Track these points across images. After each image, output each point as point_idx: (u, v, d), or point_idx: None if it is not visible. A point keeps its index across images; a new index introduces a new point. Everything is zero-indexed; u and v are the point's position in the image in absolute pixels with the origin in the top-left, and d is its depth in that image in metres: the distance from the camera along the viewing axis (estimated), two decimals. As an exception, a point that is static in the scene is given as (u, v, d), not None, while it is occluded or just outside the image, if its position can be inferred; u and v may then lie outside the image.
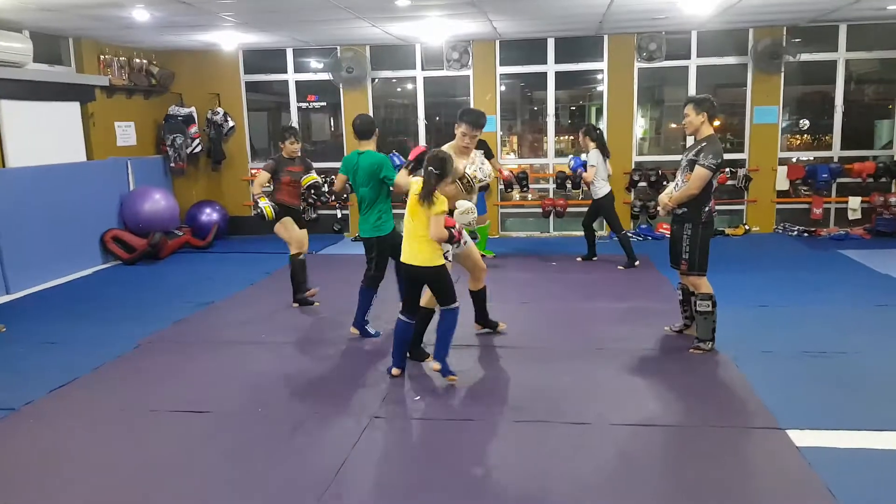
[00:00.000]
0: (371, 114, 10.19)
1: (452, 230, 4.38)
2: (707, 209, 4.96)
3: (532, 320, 5.98)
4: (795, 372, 4.65)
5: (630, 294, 6.78)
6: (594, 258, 8.20)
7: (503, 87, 10.23)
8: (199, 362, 5.20)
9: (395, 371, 4.69)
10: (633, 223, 9.99)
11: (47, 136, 8.27)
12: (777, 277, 7.28)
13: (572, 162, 8.27)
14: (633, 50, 9.55)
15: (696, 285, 5.04)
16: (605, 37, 9.61)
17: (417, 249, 4.45)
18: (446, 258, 5.12)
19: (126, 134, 9.70)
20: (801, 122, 9.94)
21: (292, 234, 6.45)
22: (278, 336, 5.75)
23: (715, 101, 5.07)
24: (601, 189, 7.83)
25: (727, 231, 9.70)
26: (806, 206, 9.71)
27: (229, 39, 8.79)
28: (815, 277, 7.24)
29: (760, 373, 4.61)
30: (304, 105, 10.60)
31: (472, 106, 9.85)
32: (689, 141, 5.19)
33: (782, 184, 9.63)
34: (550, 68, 9.82)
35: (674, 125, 10.57)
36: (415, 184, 4.50)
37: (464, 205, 5.09)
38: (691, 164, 4.91)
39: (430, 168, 4.30)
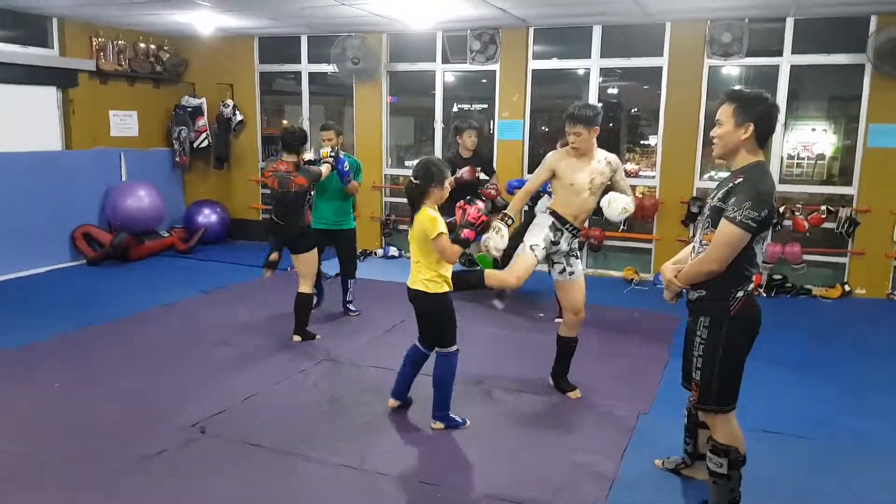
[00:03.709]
0: (387, 112, 8.79)
1: (464, 236, 3.67)
2: (742, 294, 2.77)
3: (413, 410, 4.20)
4: None
5: (607, 379, 4.76)
6: None
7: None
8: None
9: (391, 402, 4.12)
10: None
11: (12, 122, 7.63)
12: (841, 375, 4.87)
13: None
14: (702, 42, 7.25)
15: (712, 426, 2.94)
16: (668, 25, 7.40)
17: (415, 276, 3.83)
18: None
19: (124, 123, 8.98)
20: None
21: (314, 267, 5.50)
22: (70, 394, 4.40)
23: (776, 107, 2.80)
24: None
25: (816, 291, 7.11)
26: (941, 266, 6.90)
27: (205, 21, 7.68)
28: (904, 385, 4.75)
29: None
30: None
31: (496, 107, 8.17)
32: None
33: (905, 233, 6.88)
34: (594, 63, 7.76)
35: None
36: None
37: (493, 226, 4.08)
38: (716, 215, 2.76)
39: (411, 178, 3.70)
